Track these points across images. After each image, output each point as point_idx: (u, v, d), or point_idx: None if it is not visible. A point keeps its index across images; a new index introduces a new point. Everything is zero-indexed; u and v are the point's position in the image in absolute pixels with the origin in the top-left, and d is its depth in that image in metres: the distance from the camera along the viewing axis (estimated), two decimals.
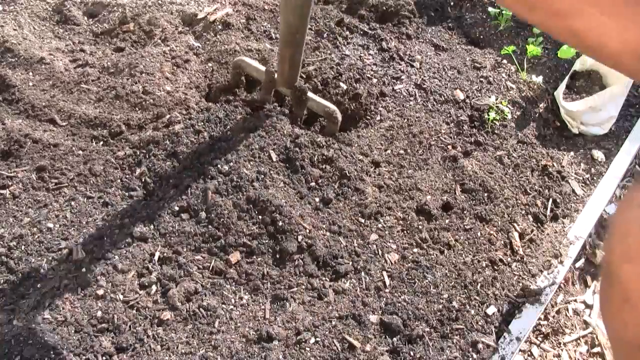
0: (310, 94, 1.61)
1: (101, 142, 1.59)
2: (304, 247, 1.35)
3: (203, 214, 1.41)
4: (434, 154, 1.68)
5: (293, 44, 1.42)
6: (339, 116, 1.62)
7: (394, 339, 1.24)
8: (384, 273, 1.35)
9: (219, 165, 1.51)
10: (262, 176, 1.49)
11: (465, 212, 1.54)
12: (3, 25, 1.88)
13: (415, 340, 1.24)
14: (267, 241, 1.37)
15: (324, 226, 1.42)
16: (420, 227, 1.47)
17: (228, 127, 1.62)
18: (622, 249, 0.54)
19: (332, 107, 1.62)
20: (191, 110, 1.66)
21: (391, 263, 1.38)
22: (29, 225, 1.37)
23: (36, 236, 1.35)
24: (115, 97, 1.69)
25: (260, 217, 1.39)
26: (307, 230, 1.38)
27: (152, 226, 1.40)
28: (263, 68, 1.64)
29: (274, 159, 1.54)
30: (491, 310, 1.35)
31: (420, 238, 1.44)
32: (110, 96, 1.70)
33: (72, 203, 1.43)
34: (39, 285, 1.27)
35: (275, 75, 1.60)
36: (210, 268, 1.32)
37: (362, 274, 1.34)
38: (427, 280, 1.35)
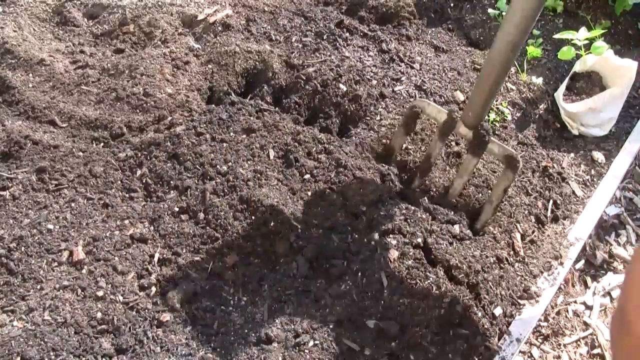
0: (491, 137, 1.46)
1: (102, 144, 1.59)
2: (295, 248, 1.34)
3: (201, 215, 1.41)
4: None
5: (503, 67, 1.25)
6: (520, 164, 1.44)
7: (392, 344, 1.23)
8: (382, 273, 1.33)
9: (218, 166, 1.51)
10: (258, 175, 1.49)
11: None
12: (3, 27, 1.88)
13: (414, 345, 1.23)
14: (261, 242, 1.36)
15: (317, 223, 1.40)
16: (422, 224, 1.46)
17: (231, 128, 1.62)
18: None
19: (513, 151, 1.44)
20: (193, 112, 1.66)
21: (390, 261, 1.36)
22: (29, 227, 1.37)
23: (36, 237, 1.35)
24: (116, 98, 1.69)
25: (252, 217, 1.39)
26: (299, 229, 1.37)
27: (152, 227, 1.40)
28: (445, 110, 1.51)
29: (271, 157, 1.54)
30: (497, 311, 1.34)
31: (421, 235, 1.43)
32: (110, 98, 1.70)
33: (72, 204, 1.43)
34: (39, 287, 1.27)
35: (458, 118, 1.47)
36: (209, 270, 1.32)
37: (359, 275, 1.33)
38: (428, 281, 1.34)
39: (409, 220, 1.43)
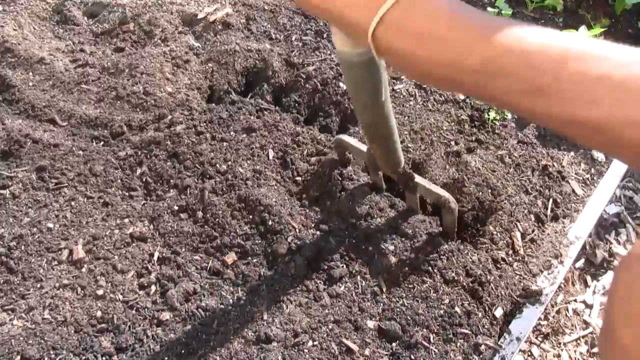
0: (418, 179, 1.33)
1: (102, 143, 1.59)
2: (293, 248, 1.34)
3: (200, 214, 1.41)
4: (436, 149, 1.68)
5: (379, 142, 1.15)
6: (454, 205, 1.34)
7: (393, 344, 1.23)
8: (380, 277, 1.34)
9: (217, 165, 1.51)
10: (257, 175, 1.49)
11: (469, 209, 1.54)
12: (3, 26, 1.88)
13: (415, 345, 1.23)
14: (259, 241, 1.36)
15: (314, 225, 1.41)
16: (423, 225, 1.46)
17: (231, 127, 1.62)
18: (624, 312, 0.52)
19: (445, 194, 1.32)
20: (193, 111, 1.66)
21: (388, 266, 1.36)
22: (28, 225, 1.37)
23: (36, 236, 1.35)
24: (116, 97, 1.70)
25: (250, 216, 1.39)
26: (297, 230, 1.37)
27: (151, 226, 1.40)
28: (364, 148, 1.37)
29: (271, 157, 1.54)
30: (498, 312, 1.34)
31: (423, 239, 1.43)
32: (110, 97, 1.70)
33: (72, 203, 1.43)
34: (38, 285, 1.27)
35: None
36: (208, 268, 1.32)
37: (358, 277, 1.33)
38: (426, 284, 1.33)
39: (400, 232, 1.41)
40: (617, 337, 0.50)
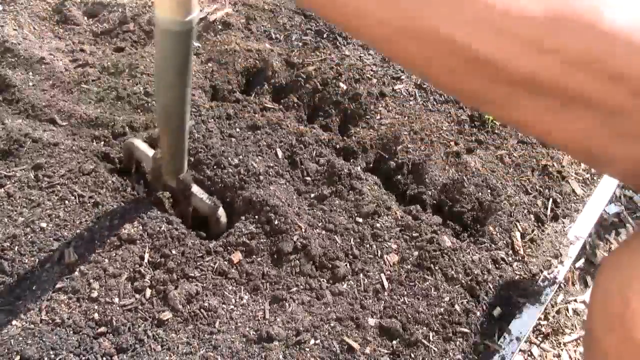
0: (195, 189, 1.32)
1: (102, 142, 1.58)
2: (298, 247, 1.34)
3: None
4: (436, 149, 1.68)
5: (170, 130, 1.14)
6: (224, 219, 1.37)
7: (394, 342, 1.23)
8: (382, 275, 1.34)
9: (229, 158, 1.51)
10: (268, 172, 1.49)
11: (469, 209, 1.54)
12: (3, 25, 1.88)
13: (415, 343, 1.23)
14: (264, 240, 1.36)
15: (320, 224, 1.41)
16: (424, 225, 1.46)
17: (236, 124, 1.62)
18: (604, 317, 0.52)
19: (211, 205, 1.33)
20: (201, 108, 1.66)
21: (390, 265, 1.36)
22: (22, 225, 1.35)
23: (29, 236, 1.32)
24: (117, 97, 1.69)
25: (256, 216, 1.39)
26: (303, 230, 1.37)
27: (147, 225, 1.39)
28: (151, 153, 1.34)
29: (280, 156, 1.54)
30: (496, 311, 1.34)
31: (424, 238, 1.43)
32: (111, 97, 1.70)
33: (66, 202, 1.41)
34: (34, 287, 1.25)
35: (162, 165, 1.32)
36: (213, 268, 1.32)
37: (361, 275, 1.33)
38: (427, 283, 1.34)
39: (404, 232, 1.43)
40: (599, 341, 0.50)
